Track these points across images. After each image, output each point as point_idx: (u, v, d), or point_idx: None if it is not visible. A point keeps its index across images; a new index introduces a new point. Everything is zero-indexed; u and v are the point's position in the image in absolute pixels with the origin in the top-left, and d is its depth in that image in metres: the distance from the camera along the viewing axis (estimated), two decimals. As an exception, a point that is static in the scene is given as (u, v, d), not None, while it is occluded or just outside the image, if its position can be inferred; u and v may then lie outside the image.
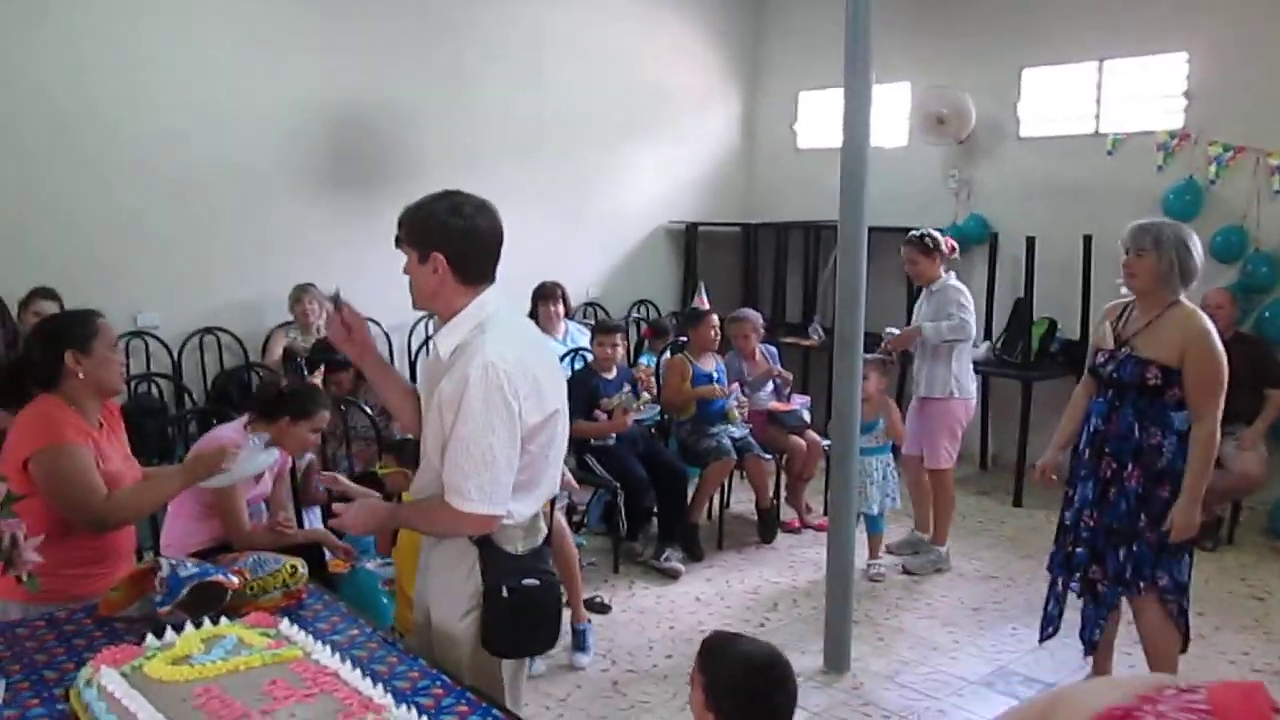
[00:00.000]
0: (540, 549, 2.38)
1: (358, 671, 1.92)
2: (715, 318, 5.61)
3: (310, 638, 2.05)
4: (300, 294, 5.83)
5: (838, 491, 4.05)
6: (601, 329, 5.37)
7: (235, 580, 2.34)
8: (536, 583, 2.29)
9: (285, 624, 2.12)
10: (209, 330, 5.96)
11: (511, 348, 2.22)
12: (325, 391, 3.85)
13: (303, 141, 6.14)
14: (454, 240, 2.23)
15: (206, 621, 2.10)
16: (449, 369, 2.23)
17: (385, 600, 3.60)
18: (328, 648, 2.01)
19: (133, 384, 5.06)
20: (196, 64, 5.77)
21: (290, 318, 5.90)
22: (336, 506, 2.45)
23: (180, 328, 5.86)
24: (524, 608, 2.27)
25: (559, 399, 2.35)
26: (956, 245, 5.28)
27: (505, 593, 2.24)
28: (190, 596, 2.29)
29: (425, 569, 2.44)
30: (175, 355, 5.81)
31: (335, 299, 2.45)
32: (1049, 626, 3.81)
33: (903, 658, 4.17)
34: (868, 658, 4.15)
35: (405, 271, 2.32)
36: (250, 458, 2.77)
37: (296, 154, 6.13)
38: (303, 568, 2.52)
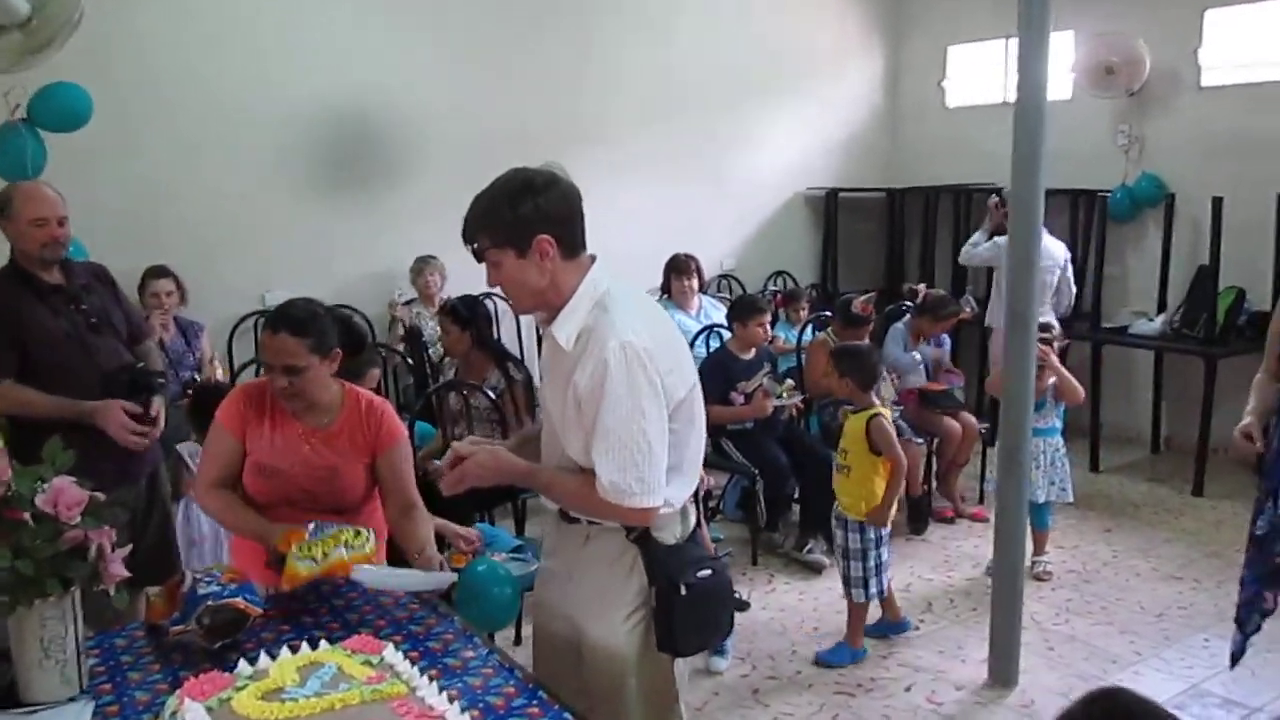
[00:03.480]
0: (695, 534, 2.21)
1: (467, 718, 1.65)
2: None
3: (416, 671, 1.80)
4: (421, 266, 5.67)
5: (1007, 482, 3.62)
6: (747, 308, 4.96)
7: (257, 609, 2.12)
8: (709, 573, 2.11)
9: (390, 650, 1.88)
10: (336, 308, 5.84)
11: (642, 321, 2.03)
12: (374, 350, 3.54)
13: (424, 113, 5.96)
14: (549, 214, 1.98)
15: (305, 645, 1.87)
16: (578, 359, 1.99)
17: (508, 593, 3.28)
18: (434, 684, 1.76)
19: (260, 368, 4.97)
20: (321, 41, 5.65)
21: (414, 292, 5.75)
22: (456, 447, 2.13)
23: (308, 305, 5.78)
24: (703, 602, 2.08)
25: (694, 369, 2.17)
26: None
27: (684, 590, 2.04)
28: (206, 618, 2.07)
29: (567, 575, 2.20)
30: (303, 333, 5.72)
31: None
32: (1241, 649, 3.29)
33: (1078, 671, 3.74)
34: (1038, 670, 3.72)
35: (496, 282, 2.05)
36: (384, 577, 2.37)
37: (418, 126, 5.95)
38: (368, 533, 2.33)
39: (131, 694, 1.94)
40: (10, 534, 1.81)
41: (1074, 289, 6.03)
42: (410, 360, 5.42)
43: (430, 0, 5.98)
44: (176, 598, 2.17)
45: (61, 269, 3.20)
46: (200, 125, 5.34)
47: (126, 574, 1.93)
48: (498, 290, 2.13)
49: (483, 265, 2.06)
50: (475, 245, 2.03)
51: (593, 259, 2.07)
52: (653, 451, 1.96)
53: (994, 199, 6.01)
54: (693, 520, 2.19)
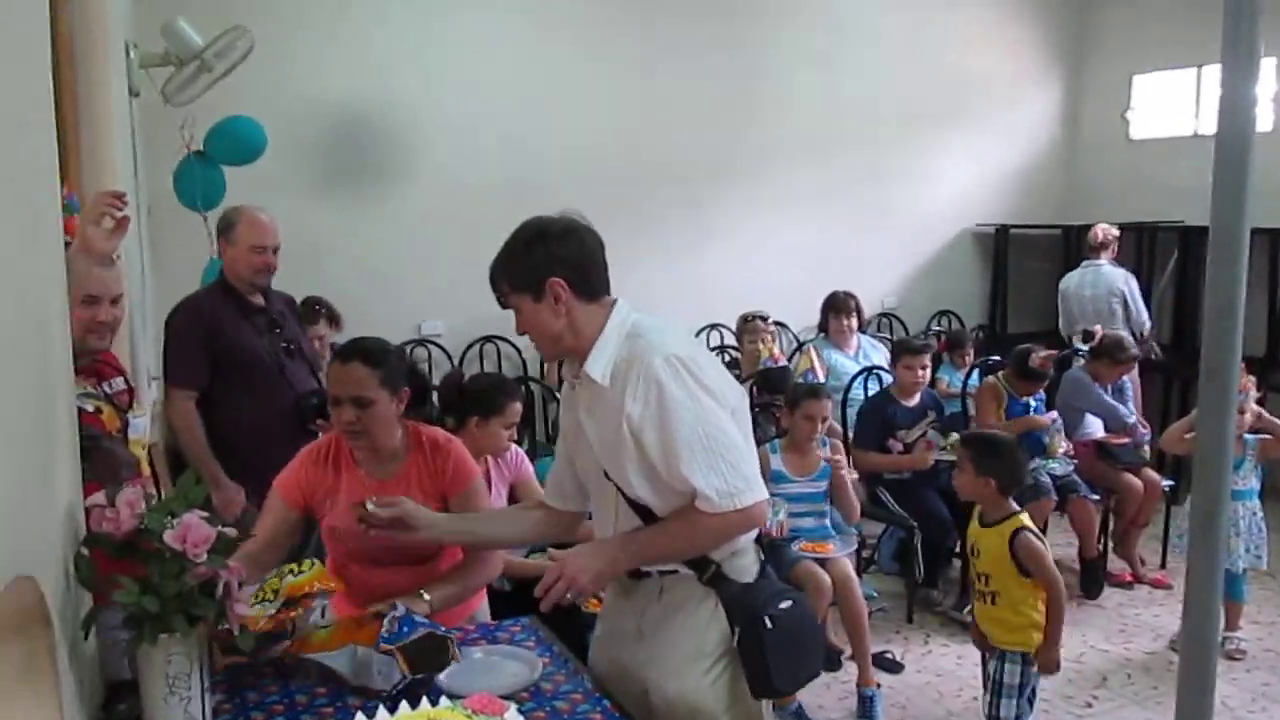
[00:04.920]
0: (765, 567, 2.11)
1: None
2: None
3: (537, 738, 1.68)
4: None
5: (1201, 547, 3.23)
6: (908, 349, 4.72)
7: (458, 653, 2.04)
8: (791, 603, 2.04)
9: (512, 713, 1.76)
10: (490, 339, 5.89)
11: (678, 339, 2.04)
12: (516, 383, 3.45)
13: (584, 146, 5.96)
14: (562, 257, 2.00)
15: (424, 703, 1.78)
16: (622, 391, 1.94)
17: None
18: (554, 756, 1.64)
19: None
20: (487, 79, 5.73)
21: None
22: (554, 554, 2.09)
23: (463, 336, 5.83)
24: (792, 634, 2.00)
25: (742, 395, 2.11)
26: None
27: (769, 624, 1.97)
28: (417, 642, 2.00)
29: (637, 634, 2.10)
30: (457, 363, 5.78)
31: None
32: None
33: (1279, 769, 3.33)
34: (1231, 764, 3.34)
35: (522, 330, 2.07)
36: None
37: (577, 158, 5.94)
38: (312, 564, 2.18)
39: (252, 736, 1.90)
40: (139, 569, 1.79)
41: (1145, 316, 6.10)
42: (558, 394, 5.37)
43: (595, 35, 6.00)
44: (342, 636, 2.12)
45: (262, 293, 3.34)
46: (365, 156, 5.47)
47: (250, 612, 1.88)
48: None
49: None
50: (498, 292, 2.06)
51: (614, 301, 2.05)
52: (738, 445, 1.94)
53: None
54: (759, 554, 2.11)
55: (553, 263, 1.98)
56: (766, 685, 1.99)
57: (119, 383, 2.55)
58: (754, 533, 2.07)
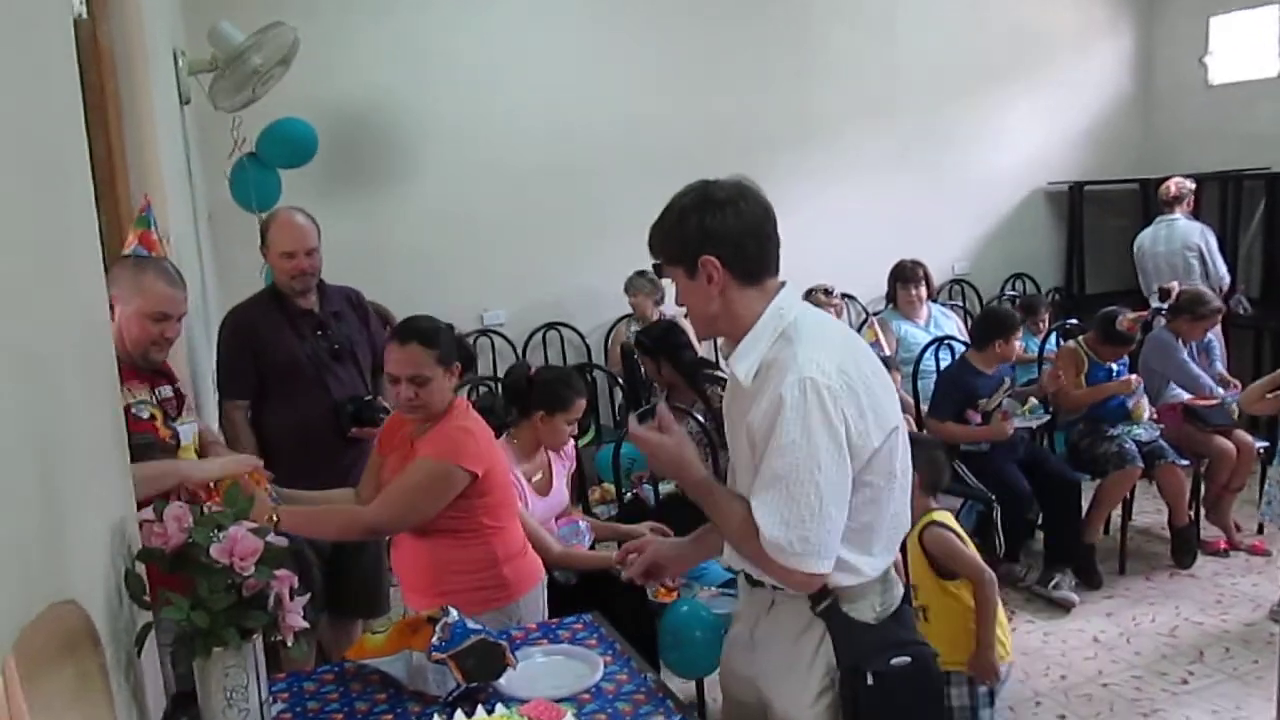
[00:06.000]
0: (901, 610, 1.89)
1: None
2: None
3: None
4: (629, 283, 5.53)
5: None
6: (1002, 324, 4.42)
7: (513, 659, 1.97)
8: (908, 660, 1.82)
9: (570, 719, 1.71)
10: (552, 325, 5.85)
11: (830, 356, 1.77)
12: (579, 375, 3.38)
13: (636, 122, 5.87)
14: (718, 233, 1.80)
15: (480, 710, 1.73)
16: (755, 395, 1.78)
17: (710, 637, 3.03)
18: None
19: (475, 387, 5.00)
20: (535, 62, 5.67)
21: (630, 309, 5.65)
22: (638, 435, 1.93)
23: (525, 324, 5.80)
24: (896, 697, 1.79)
25: (896, 413, 1.87)
26: None
27: (870, 679, 1.77)
28: (470, 650, 1.95)
29: (751, 641, 1.98)
30: (520, 352, 5.75)
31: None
32: None
33: (1393, 744, 3.14)
34: (1341, 741, 3.16)
35: (679, 302, 1.92)
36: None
37: (634, 133, 5.86)
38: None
39: (314, 748, 1.88)
40: (189, 583, 1.78)
41: (1223, 270, 5.85)
42: (622, 380, 5.31)
43: (646, 7, 5.90)
44: (397, 641, 2.10)
45: (318, 292, 3.33)
46: (420, 150, 5.46)
47: (304, 625, 1.86)
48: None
49: None
50: (655, 262, 1.91)
51: (781, 285, 1.86)
52: (824, 509, 1.71)
53: None
54: (898, 595, 1.90)
55: (707, 238, 1.80)
56: None
57: (166, 390, 2.55)
58: (888, 563, 1.87)
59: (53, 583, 1.37)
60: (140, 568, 1.84)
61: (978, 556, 2.92)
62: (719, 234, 1.79)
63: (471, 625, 2.02)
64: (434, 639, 1.96)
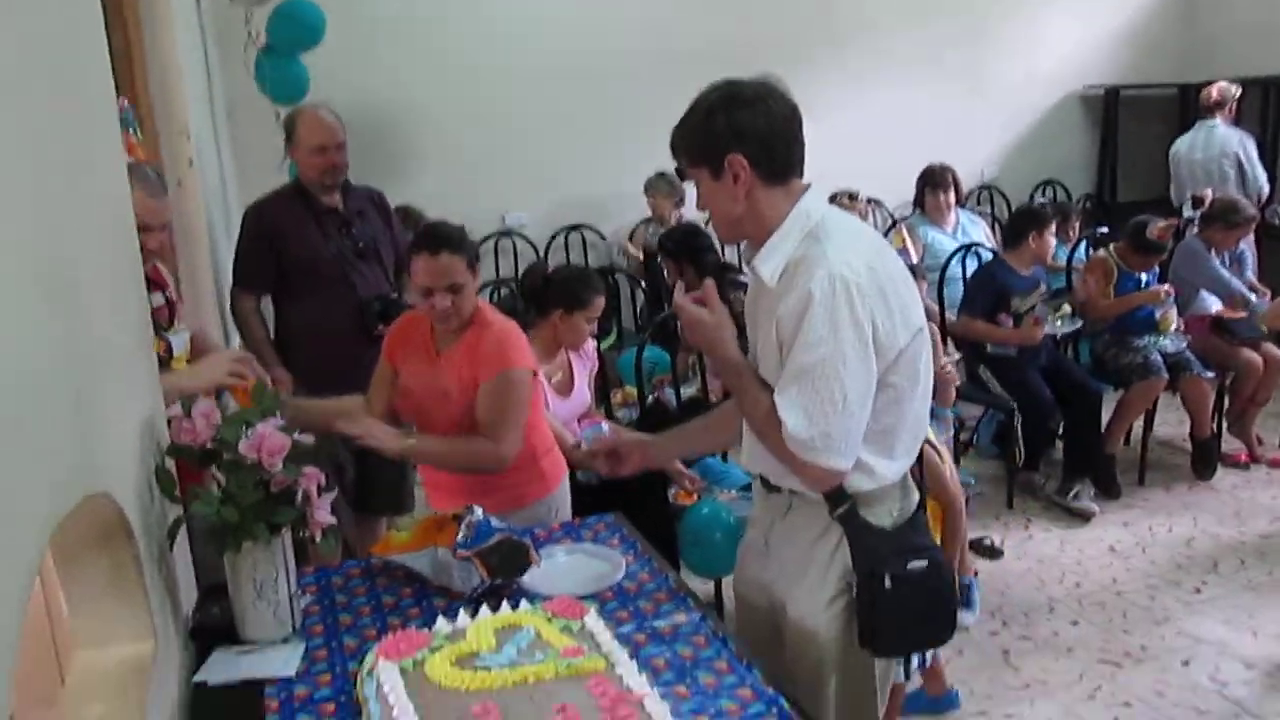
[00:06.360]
0: (916, 516, 1.89)
1: (667, 706, 1.49)
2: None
3: (616, 644, 1.66)
4: (649, 185, 5.46)
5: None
6: (1035, 218, 4.37)
7: (537, 557, 2.01)
8: (923, 564, 1.83)
9: (592, 617, 1.74)
10: (574, 227, 5.82)
11: (859, 254, 1.75)
12: (599, 276, 3.35)
13: (659, 23, 5.74)
14: (745, 130, 1.75)
15: (505, 605, 1.77)
16: (782, 294, 1.75)
17: (730, 538, 3.06)
18: (634, 661, 1.61)
19: (498, 289, 4.99)
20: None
21: (649, 211, 5.60)
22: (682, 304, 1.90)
23: (547, 226, 5.77)
24: (912, 599, 1.80)
25: (921, 314, 1.85)
26: None
27: (888, 582, 1.78)
28: (495, 548, 1.99)
29: (765, 547, 1.99)
30: (542, 254, 5.73)
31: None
32: None
33: (1403, 653, 3.18)
34: (1351, 651, 3.20)
35: (701, 206, 1.87)
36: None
37: (653, 37, 5.73)
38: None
39: (341, 638, 1.92)
40: (218, 479, 1.81)
41: (1262, 179, 5.73)
42: (644, 283, 5.28)
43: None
44: (422, 539, 2.14)
45: (341, 192, 3.31)
46: (443, 47, 5.36)
47: (332, 520, 1.89)
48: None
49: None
50: (678, 163, 1.86)
51: (806, 187, 1.82)
52: (848, 404, 1.70)
53: None
54: (914, 500, 1.90)
55: (734, 136, 1.75)
56: (870, 641, 1.84)
57: (157, 299, 2.49)
58: (903, 475, 1.87)
59: (87, 476, 1.39)
60: (170, 463, 1.88)
61: (956, 480, 2.95)
62: (746, 132, 1.75)
63: (496, 523, 2.05)
64: (459, 536, 1.99)
